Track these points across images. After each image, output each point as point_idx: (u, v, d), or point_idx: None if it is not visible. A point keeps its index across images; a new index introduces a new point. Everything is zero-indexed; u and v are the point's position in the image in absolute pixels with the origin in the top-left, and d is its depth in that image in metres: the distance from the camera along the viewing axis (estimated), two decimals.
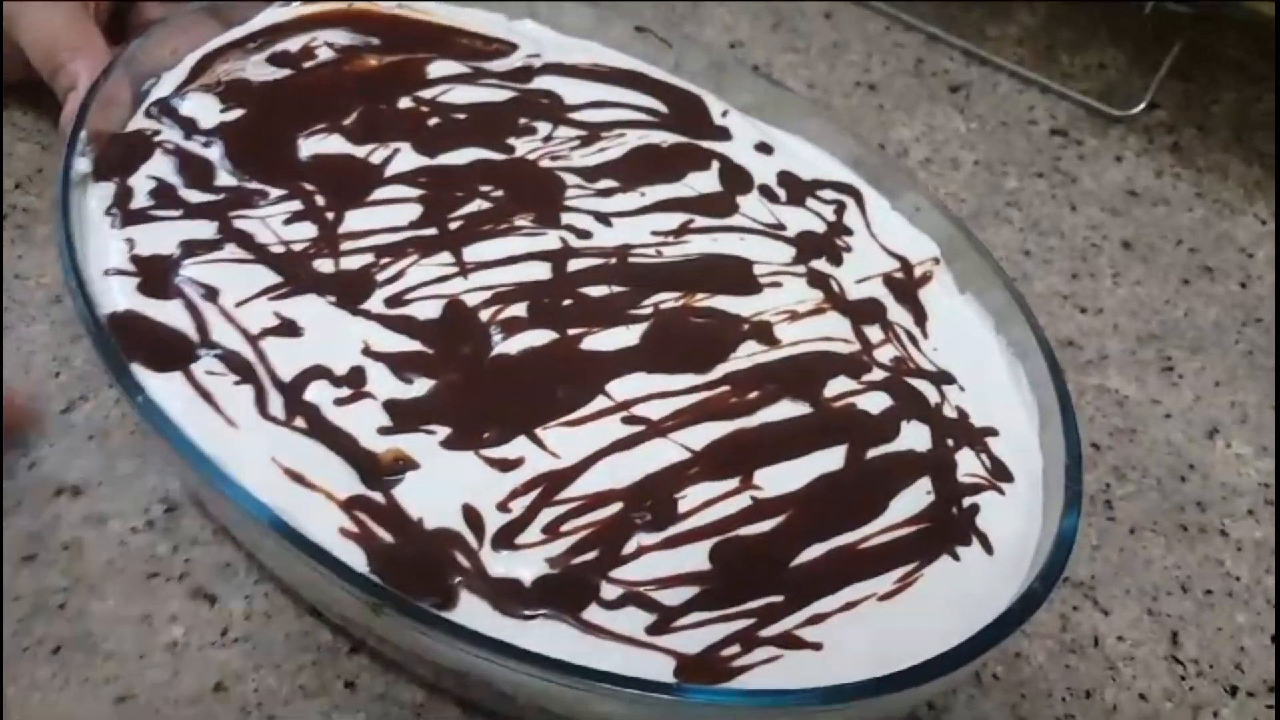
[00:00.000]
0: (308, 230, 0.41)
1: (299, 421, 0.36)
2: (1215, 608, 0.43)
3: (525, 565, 0.34)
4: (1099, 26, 0.65)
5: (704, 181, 0.46)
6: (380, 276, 0.40)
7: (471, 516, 0.35)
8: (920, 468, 0.38)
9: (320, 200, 0.42)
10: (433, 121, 0.45)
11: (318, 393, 0.37)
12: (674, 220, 0.44)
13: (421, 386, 0.37)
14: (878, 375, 0.40)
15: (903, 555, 0.36)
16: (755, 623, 0.34)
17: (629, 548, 0.35)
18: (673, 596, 0.34)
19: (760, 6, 0.63)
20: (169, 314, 0.38)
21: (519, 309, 0.40)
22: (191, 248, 0.40)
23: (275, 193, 0.42)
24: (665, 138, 0.47)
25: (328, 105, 0.45)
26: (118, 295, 0.38)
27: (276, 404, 0.36)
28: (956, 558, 0.36)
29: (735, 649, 0.33)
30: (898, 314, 0.43)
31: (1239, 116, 0.62)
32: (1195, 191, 0.59)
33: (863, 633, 0.34)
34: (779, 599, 0.34)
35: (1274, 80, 0.62)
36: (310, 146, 0.44)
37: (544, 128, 0.46)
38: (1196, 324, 0.53)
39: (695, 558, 0.35)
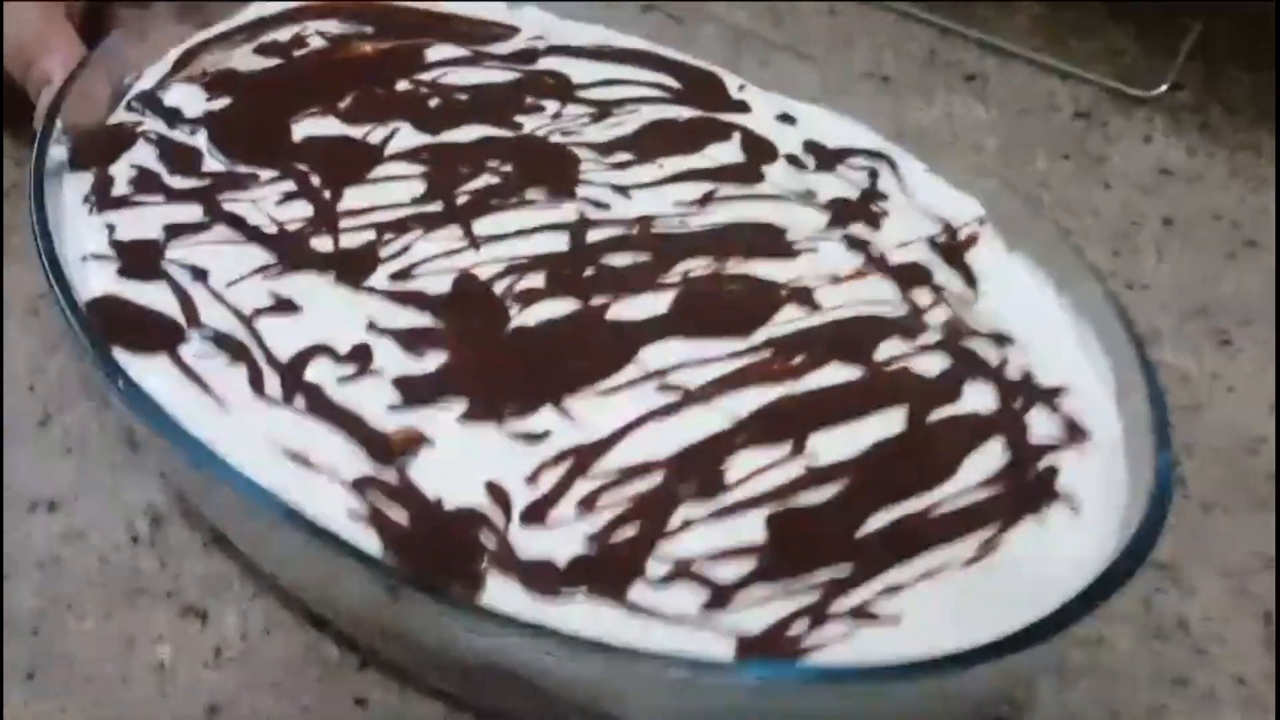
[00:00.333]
0: (303, 210, 0.38)
1: (299, 401, 0.32)
2: None
3: (559, 543, 0.30)
4: (1105, 12, 0.64)
5: (725, 152, 0.43)
6: (384, 252, 0.37)
7: (496, 493, 0.31)
8: (989, 429, 0.34)
9: (316, 180, 0.39)
10: (433, 102, 0.43)
11: (319, 371, 0.33)
12: (697, 190, 0.41)
13: (433, 362, 0.34)
14: (931, 338, 0.37)
15: (981, 519, 0.32)
16: (823, 596, 0.30)
17: (674, 522, 0.31)
18: (728, 571, 0.30)
19: (760, 6, 0.61)
20: (152, 297, 0.35)
21: (536, 279, 0.36)
22: (176, 230, 0.37)
23: (267, 175, 0.39)
24: (681, 112, 0.44)
25: (321, 89, 0.42)
26: (96, 280, 0.35)
27: (273, 384, 0.33)
28: (1041, 519, 0.32)
29: (803, 626, 0.29)
30: (946, 276, 0.39)
31: (1265, 95, 0.60)
32: (1229, 169, 0.56)
33: (945, 604, 0.30)
34: (846, 571, 0.30)
35: None
36: (303, 129, 0.41)
37: (552, 105, 0.43)
38: (1246, 298, 0.50)
39: (750, 529, 0.31)
